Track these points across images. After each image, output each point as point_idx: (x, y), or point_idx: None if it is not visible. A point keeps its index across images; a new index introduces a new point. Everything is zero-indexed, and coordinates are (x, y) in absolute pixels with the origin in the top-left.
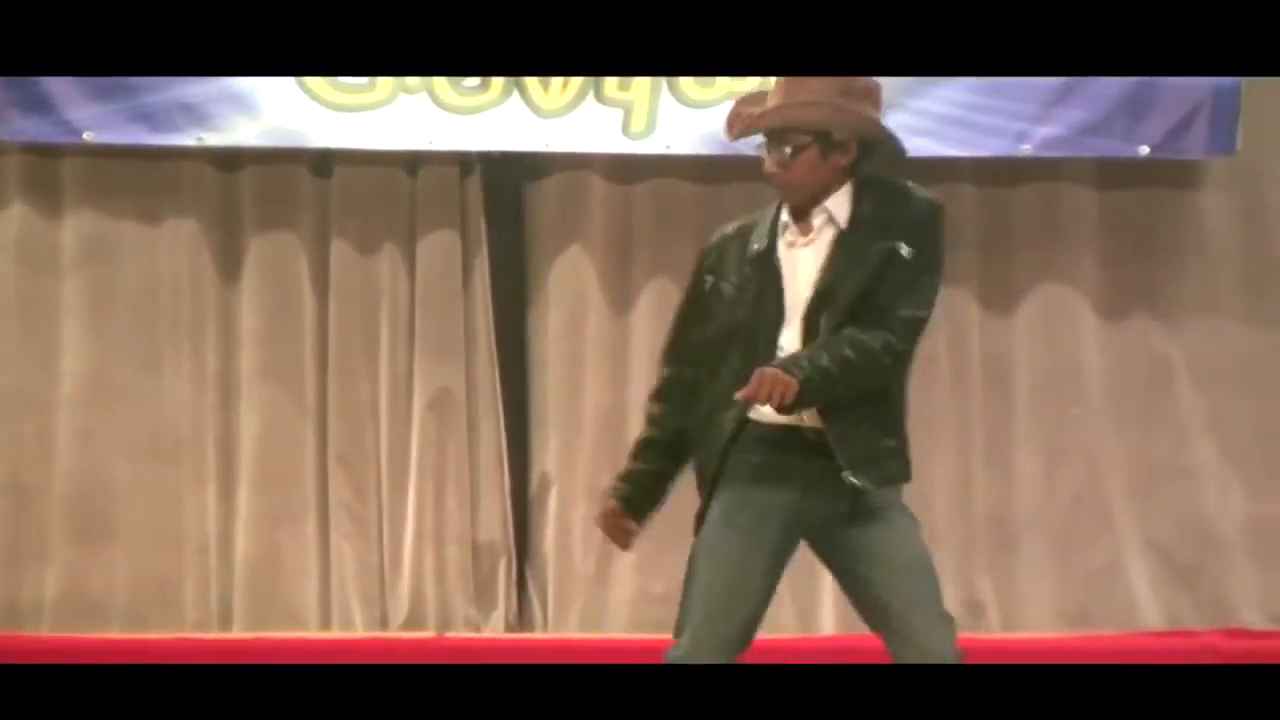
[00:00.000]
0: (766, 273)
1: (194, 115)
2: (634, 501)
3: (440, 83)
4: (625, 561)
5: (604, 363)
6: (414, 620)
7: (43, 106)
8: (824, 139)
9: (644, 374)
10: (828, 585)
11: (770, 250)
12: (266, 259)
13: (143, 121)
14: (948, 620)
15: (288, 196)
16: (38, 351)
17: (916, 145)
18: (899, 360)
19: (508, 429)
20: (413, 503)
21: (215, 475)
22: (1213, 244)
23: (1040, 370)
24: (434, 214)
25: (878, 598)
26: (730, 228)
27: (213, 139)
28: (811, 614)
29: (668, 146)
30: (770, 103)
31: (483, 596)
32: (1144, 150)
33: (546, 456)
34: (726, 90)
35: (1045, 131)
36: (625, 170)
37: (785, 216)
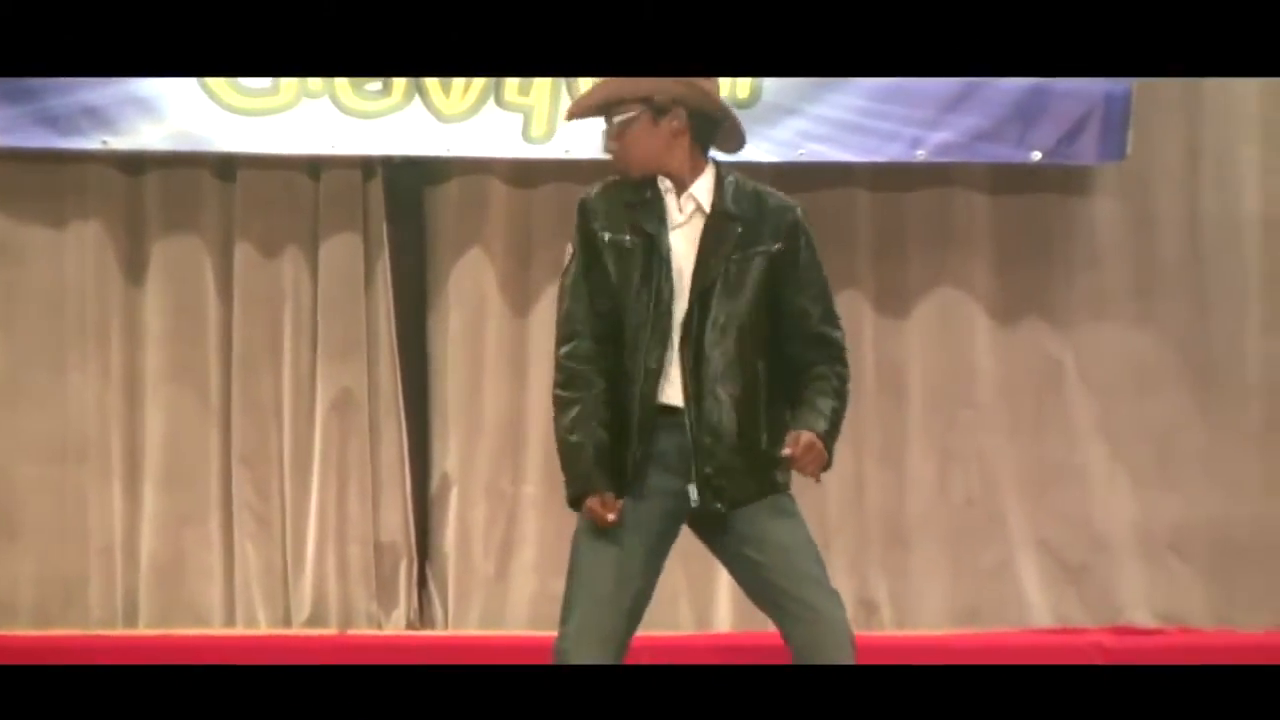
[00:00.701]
0: (659, 250)
1: (98, 119)
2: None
3: (343, 87)
4: (525, 560)
5: (504, 365)
6: (317, 618)
7: None
8: (650, 106)
9: (543, 376)
10: (724, 583)
11: (661, 229)
12: (171, 261)
13: (47, 125)
14: (838, 595)
15: (192, 199)
16: None
17: (814, 150)
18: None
19: (409, 430)
20: (315, 502)
21: (120, 475)
22: (1103, 249)
23: (933, 373)
24: (336, 217)
25: (767, 579)
26: (598, 186)
27: (117, 143)
28: (708, 612)
29: (567, 151)
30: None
31: (384, 595)
32: (1036, 156)
33: (447, 457)
34: None
35: (939, 137)
36: (525, 174)
37: (666, 197)
